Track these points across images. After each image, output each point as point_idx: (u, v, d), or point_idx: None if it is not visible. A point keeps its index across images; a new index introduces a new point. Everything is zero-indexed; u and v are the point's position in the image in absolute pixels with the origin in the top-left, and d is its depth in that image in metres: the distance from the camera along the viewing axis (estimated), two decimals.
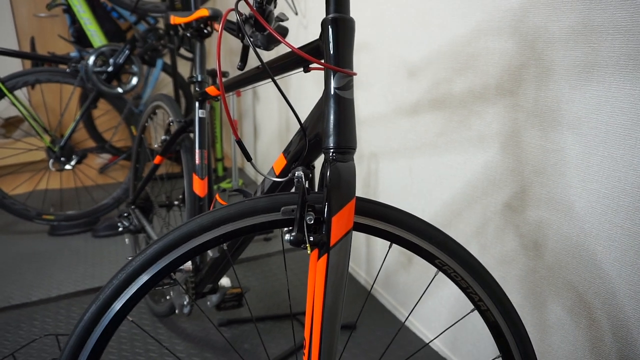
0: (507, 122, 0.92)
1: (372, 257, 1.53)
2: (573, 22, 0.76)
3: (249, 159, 0.57)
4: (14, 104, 1.80)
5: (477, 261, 0.62)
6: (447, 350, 1.21)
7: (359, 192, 1.55)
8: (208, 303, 1.12)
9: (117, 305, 0.52)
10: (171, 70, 2.43)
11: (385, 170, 1.38)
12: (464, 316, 0.68)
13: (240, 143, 0.57)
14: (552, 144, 0.83)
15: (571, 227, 0.82)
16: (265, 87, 2.24)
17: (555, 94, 0.81)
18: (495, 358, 0.65)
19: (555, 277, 0.87)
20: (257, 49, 0.59)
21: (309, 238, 0.53)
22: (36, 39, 2.20)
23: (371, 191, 1.47)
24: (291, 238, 0.54)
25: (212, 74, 2.27)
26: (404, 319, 1.37)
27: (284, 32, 0.68)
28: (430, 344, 1.26)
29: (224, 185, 2.53)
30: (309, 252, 0.54)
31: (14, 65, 2.50)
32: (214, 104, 2.45)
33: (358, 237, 1.59)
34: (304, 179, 0.56)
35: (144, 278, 0.53)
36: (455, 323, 0.77)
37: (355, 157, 1.53)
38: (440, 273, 0.64)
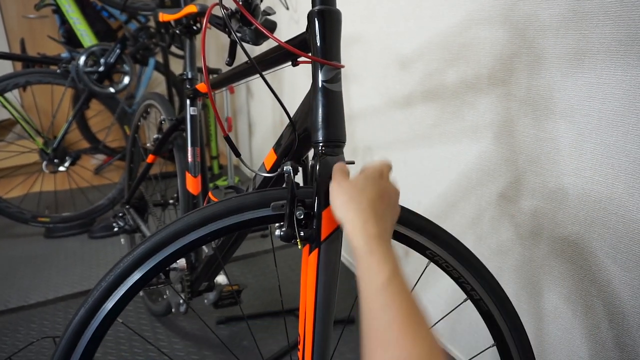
0: (500, 112, 0.92)
1: None
2: (563, 9, 0.75)
3: (237, 154, 0.56)
4: (5, 107, 1.78)
5: (468, 251, 0.62)
6: (446, 342, 1.21)
7: None
8: (205, 301, 1.11)
9: (108, 305, 0.52)
10: (164, 68, 2.41)
11: None
12: (457, 306, 0.67)
13: (228, 139, 0.56)
14: (545, 132, 0.83)
15: (566, 215, 0.82)
16: (259, 83, 2.23)
17: (547, 82, 0.80)
18: (490, 347, 0.65)
19: (552, 266, 0.87)
20: (246, 44, 0.59)
21: (299, 233, 0.53)
22: (26, 41, 2.17)
23: None
24: (281, 233, 0.54)
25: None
26: None
27: (272, 26, 0.68)
28: None
29: (220, 183, 2.52)
30: (299, 247, 0.54)
31: (5, 68, 2.47)
32: (208, 102, 2.44)
33: None
34: (292, 174, 0.56)
35: (134, 277, 0.52)
36: (449, 313, 0.77)
37: (350, 151, 1.53)
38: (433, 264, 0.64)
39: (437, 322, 0.74)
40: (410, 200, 1.26)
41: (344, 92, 1.48)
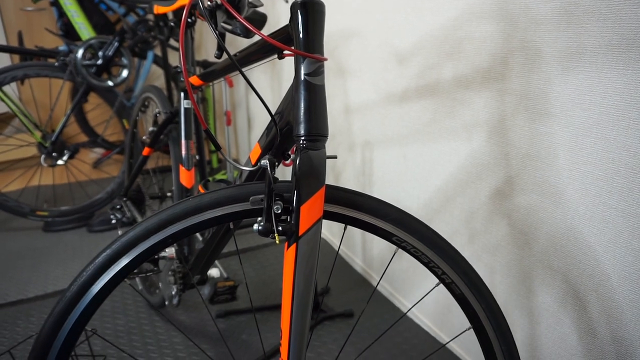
0: (499, 107, 0.91)
1: (368, 245, 1.53)
2: (565, 2, 0.74)
3: (218, 148, 0.57)
4: (2, 100, 1.77)
5: (437, 235, 0.61)
6: (445, 337, 1.22)
7: (353, 181, 1.54)
8: (202, 296, 1.11)
9: (95, 289, 0.53)
10: (162, 62, 2.40)
11: (380, 158, 1.37)
12: (429, 291, 0.67)
13: (208, 132, 0.56)
14: (544, 126, 0.82)
15: (565, 210, 0.82)
16: (257, 76, 2.22)
17: (547, 76, 0.80)
18: (467, 330, 0.65)
19: (550, 260, 0.87)
20: (238, 36, 0.58)
21: (277, 228, 0.53)
22: (24, 33, 2.16)
23: (366, 179, 1.46)
24: (259, 228, 0.54)
25: (201, 63, 2.23)
26: (398, 304, 1.38)
27: (260, 18, 0.67)
28: (429, 333, 1.26)
29: (219, 176, 2.51)
30: (277, 242, 0.54)
31: (2, 60, 2.46)
32: (207, 96, 2.43)
33: None
34: (269, 168, 0.55)
35: (121, 264, 0.53)
36: (422, 299, 0.78)
37: (348, 146, 1.52)
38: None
39: (410, 309, 0.74)
40: (410, 194, 1.26)
41: (342, 86, 1.48)
